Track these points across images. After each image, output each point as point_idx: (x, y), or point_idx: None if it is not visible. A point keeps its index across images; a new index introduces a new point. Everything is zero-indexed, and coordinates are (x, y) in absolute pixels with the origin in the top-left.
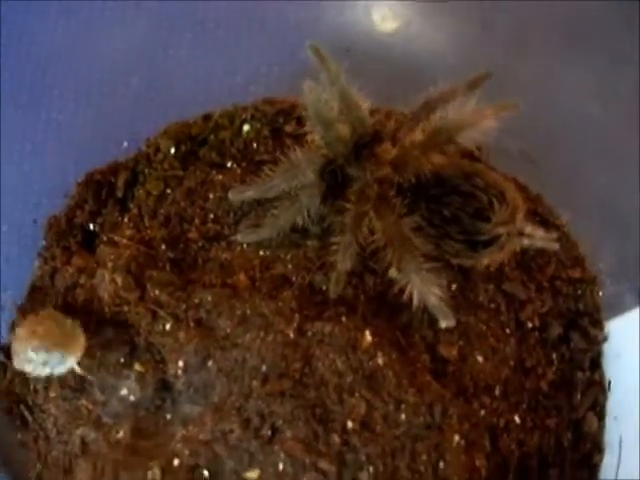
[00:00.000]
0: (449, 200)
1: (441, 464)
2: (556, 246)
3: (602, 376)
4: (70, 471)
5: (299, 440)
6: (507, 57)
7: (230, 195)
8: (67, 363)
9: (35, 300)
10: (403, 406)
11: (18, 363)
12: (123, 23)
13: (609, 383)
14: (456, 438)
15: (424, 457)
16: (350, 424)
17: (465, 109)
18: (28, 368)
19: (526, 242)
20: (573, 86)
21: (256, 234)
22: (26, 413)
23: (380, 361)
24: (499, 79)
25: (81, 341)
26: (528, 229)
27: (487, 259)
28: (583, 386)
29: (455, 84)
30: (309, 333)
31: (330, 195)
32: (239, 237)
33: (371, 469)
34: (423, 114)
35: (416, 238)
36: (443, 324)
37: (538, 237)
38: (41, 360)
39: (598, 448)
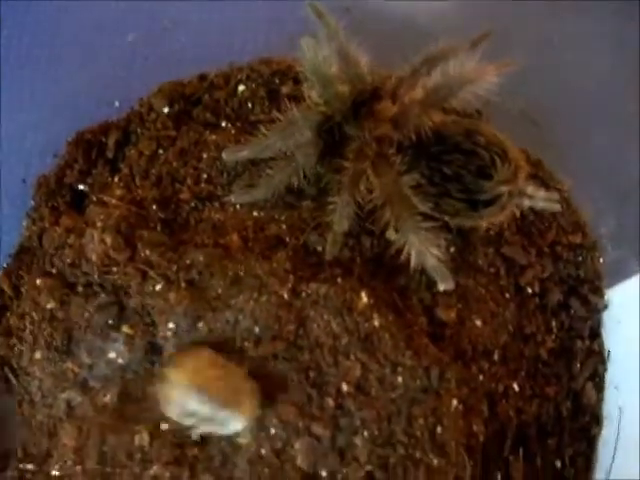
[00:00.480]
0: (450, 158)
1: (438, 429)
2: (558, 207)
3: (601, 346)
4: (55, 435)
5: (292, 403)
6: (509, 17)
7: (224, 155)
8: (232, 426)
9: (22, 261)
10: (400, 369)
11: (171, 412)
12: None
13: (609, 352)
14: (454, 402)
15: (421, 421)
16: (345, 387)
17: (466, 66)
18: (187, 422)
19: (527, 203)
20: (576, 45)
21: (249, 195)
22: (10, 376)
23: (376, 323)
24: (501, 39)
25: (254, 402)
26: (530, 189)
27: (487, 220)
28: (582, 355)
29: (456, 42)
30: (303, 294)
31: (327, 154)
32: (232, 198)
33: (366, 433)
34: (423, 71)
35: (415, 196)
36: (441, 286)
37: (539, 198)
38: (204, 416)
39: (597, 420)
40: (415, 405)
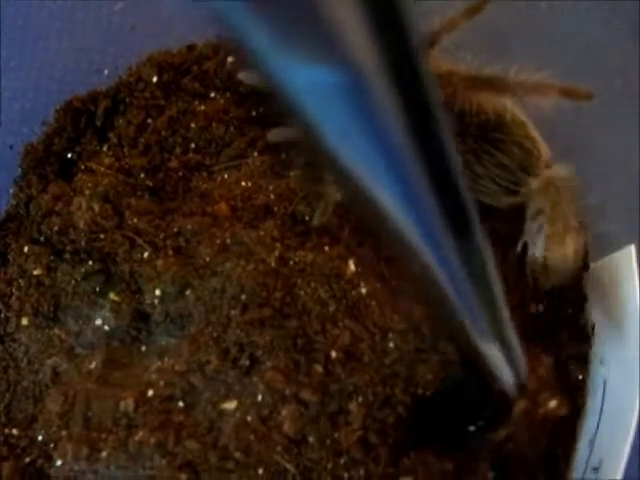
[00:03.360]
0: (504, 147)
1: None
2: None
3: (587, 320)
4: (40, 401)
5: (279, 370)
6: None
7: (270, 137)
8: None
9: (9, 229)
10: (390, 334)
11: None
12: None
13: (593, 326)
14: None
15: (429, 377)
16: (334, 354)
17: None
18: None
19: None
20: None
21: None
22: None
23: (364, 290)
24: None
25: None
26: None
27: (507, 203)
28: (567, 329)
29: (454, 15)
30: (291, 262)
31: None
32: (269, 137)
33: (360, 399)
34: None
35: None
36: None
37: None
38: None
39: (581, 394)
40: (418, 366)
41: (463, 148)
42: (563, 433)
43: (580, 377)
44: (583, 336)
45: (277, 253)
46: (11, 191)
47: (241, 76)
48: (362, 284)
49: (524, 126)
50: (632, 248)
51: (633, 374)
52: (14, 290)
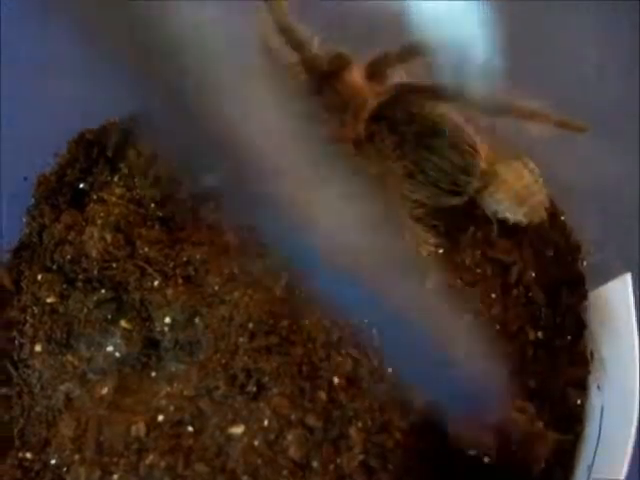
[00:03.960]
0: (443, 152)
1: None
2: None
3: (585, 346)
4: (53, 425)
5: (285, 396)
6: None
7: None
8: None
9: (23, 257)
10: None
11: None
12: None
13: (592, 353)
14: None
15: (419, 403)
16: (336, 380)
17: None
18: None
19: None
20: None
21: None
22: (10, 368)
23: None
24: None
25: None
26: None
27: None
28: (566, 356)
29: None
30: (297, 291)
31: None
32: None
33: (360, 424)
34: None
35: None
36: (429, 284)
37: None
38: None
39: (579, 420)
40: (410, 391)
41: (402, 157)
42: (561, 458)
43: (579, 402)
44: (582, 362)
45: (283, 282)
46: (24, 220)
47: None
48: None
49: (460, 130)
50: (628, 276)
51: (630, 401)
52: (28, 317)
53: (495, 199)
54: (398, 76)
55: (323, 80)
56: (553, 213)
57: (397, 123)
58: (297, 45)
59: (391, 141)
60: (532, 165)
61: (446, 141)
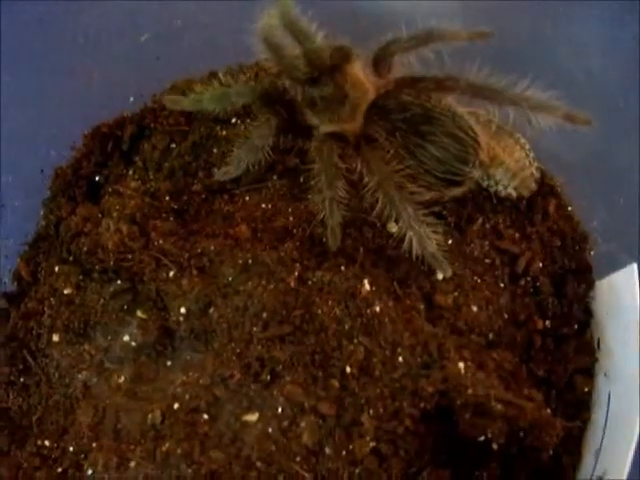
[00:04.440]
0: (437, 139)
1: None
2: (526, 192)
3: (591, 334)
4: (71, 413)
5: (298, 384)
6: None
7: (217, 177)
8: None
9: (40, 249)
10: (399, 349)
11: None
12: None
13: (598, 341)
14: (460, 365)
15: (429, 390)
16: (348, 369)
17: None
18: None
19: (499, 188)
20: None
21: (223, 173)
22: (29, 358)
23: (377, 309)
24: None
25: None
26: (499, 175)
27: (449, 194)
28: (573, 343)
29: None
30: (309, 282)
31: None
32: (216, 176)
33: (371, 411)
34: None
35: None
36: (440, 274)
37: (506, 182)
38: None
39: (587, 407)
40: (420, 380)
41: (395, 145)
42: (569, 445)
43: (586, 390)
44: (589, 350)
45: (296, 273)
46: (41, 213)
47: (165, 101)
48: (376, 302)
49: (457, 117)
50: (634, 266)
51: (634, 387)
52: (45, 308)
53: (487, 173)
54: (405, 66)
55: (324, 72)
56: (560, 204)
57: (389, 111)
58: (301, 37)
59: (383, 129)
60: (523, 140)
61: (441, 129)
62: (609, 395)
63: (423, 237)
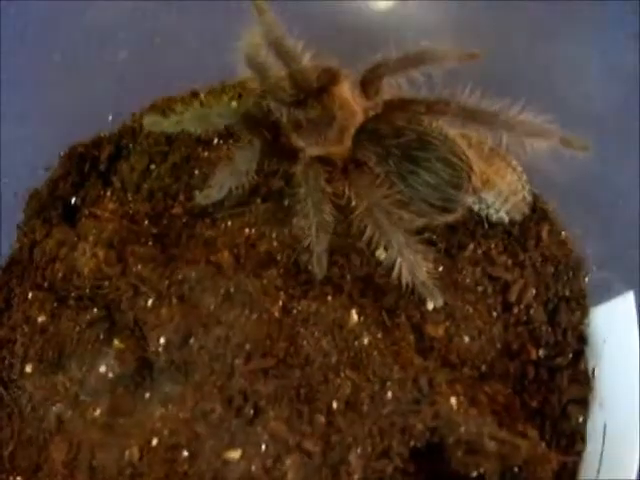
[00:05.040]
0: (430, 165)
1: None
2: (518, 216)
3: (586, 364)
4: (45, 449)
5: (282, 420)
6: (507, 37)
7: (199, 201)
8: None
9: (13, 274)
10: (389, 384)
11: None
12: None
13: (593, 370)
14: (452, 400)
15: (420, 427)
16: (335, 404)
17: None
18: None
19: (490, 212)
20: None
21: (204, 196)
22: (0, 389)
23: (365, 340)
24: (494, 62)
25: None
26: (490, 199)
27: (442, 220)
28: (568, 372)
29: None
30: (294, 312)
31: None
32: (197, 199)
33: (359, 449)
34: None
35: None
36: (431, 304)
37: (498, 207)
38: None
39: (581, 438)
40: (410, 416)
41: (386, 170)
42: (565, 477)
43: (581, 420)
44: (583, 380)
45: (281, 303)
46: (15, 236)
47: (144, 122)
48: (364, 334)
49: (449, 142)
50: (631, 294)
51: (633, 418)
52: (18, 336)
53: (479, 197)
54: (394, 88)
55: (311, 94)
56: (554, 229)
57: (382, 136)
58: (286, 58)
59: (374, 153)
60: (515, 163)
61: (434, 154)
62: (604, 426)
63: (413, 265)
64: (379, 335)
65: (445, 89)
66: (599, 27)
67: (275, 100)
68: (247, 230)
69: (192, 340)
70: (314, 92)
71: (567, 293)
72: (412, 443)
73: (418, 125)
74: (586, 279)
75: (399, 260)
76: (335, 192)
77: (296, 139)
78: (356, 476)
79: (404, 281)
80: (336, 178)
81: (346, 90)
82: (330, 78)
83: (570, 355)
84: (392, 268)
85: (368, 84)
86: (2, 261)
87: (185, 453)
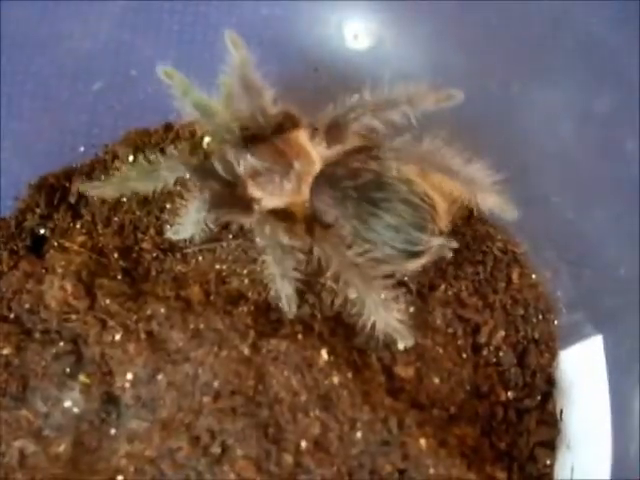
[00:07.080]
0: (391, 206)
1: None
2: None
3: (554, 406)
4: None
5: (250, 459)
6: (483, 80)
7: (169, 235)
8: None
9: None
10: (358, 424)
11: None
12: (86, 25)
13: (561, 412)
14: (422, 442)
15: (388, 468)
16: (304, 444)
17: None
18: None
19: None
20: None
21: (173, 232)
22: None
23: (335, 380)
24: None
25: None
26: (454, 243)
27: (410, 267)
28: (535, 414)
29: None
30: (264, 350)
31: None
32: (167, 234)
33: None
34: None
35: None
36: (401, 345)
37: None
38: None
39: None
40: (379, 457)
41: (345, 214)
42: None
43: (548, 462)
44: (551, 422)
45: (250, 340)
46: None
47: (81, 188)
48: (334, 373)
49: (410, 183)
50: (600, 338)
51: (602, 459)
52: None
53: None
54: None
55: (266, 135)
56: (524, 272)
57: (338, 179)
58: (252, 94)
59: (332, 198)
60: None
61: (394, 195)
62: (572, 468)
63: (388, 320)
64: (349, 375)
65: (414, 128)
66: (572, 71)
67: (220, 142)
68: (218, 266)
69: (160, 376)
70: (271, 133)
71: (536, 336)
72: None
73: (375, 166)
74: (555, 322)
75: (373, 318)
76: (299, 248)
77: (252, 188)
78: None
79: (377, 329)
80: (298, 234)
81: (305, 138)
82: (290, 122)
83: (538, 397)
84: (362, 312)
85: (334, 130)
86: None
87: None
